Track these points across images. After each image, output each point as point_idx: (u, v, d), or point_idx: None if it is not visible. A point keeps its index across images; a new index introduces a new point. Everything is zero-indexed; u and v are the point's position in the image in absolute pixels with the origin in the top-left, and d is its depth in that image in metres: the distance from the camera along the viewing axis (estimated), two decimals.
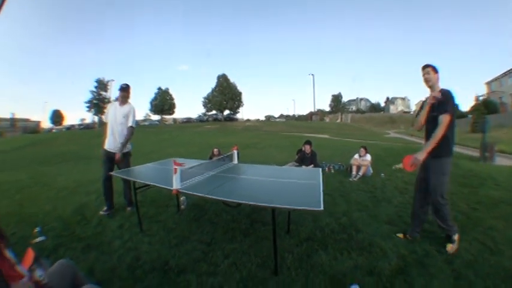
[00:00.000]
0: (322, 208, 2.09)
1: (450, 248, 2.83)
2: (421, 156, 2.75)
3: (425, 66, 3.00)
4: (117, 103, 4.40)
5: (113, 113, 4.33)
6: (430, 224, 3.51)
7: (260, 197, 2.68)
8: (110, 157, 4.29)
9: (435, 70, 2.97)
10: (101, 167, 4.46)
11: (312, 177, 3.22)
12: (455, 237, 2.90)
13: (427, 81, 3.00)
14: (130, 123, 4.32)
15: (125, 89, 4.36)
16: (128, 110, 4.32)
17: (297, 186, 3.06)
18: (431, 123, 2.89)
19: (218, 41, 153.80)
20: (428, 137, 2.87)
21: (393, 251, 2.86)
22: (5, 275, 1.34)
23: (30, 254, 1.79)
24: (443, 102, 2.79)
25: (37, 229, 3.56)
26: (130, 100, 4.52)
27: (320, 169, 3.64)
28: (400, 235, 3.20)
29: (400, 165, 3.08)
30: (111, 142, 4.31)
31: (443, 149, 2.80)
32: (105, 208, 4.38)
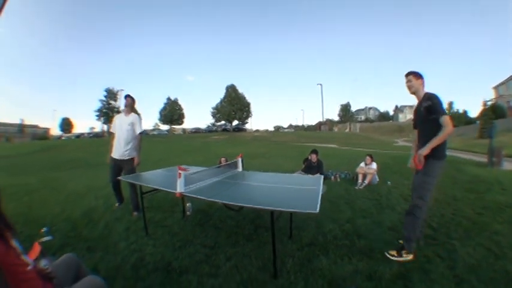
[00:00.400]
0: (317, 211, 2.12)
1: (392, 253, 2.83)
2: (425, 151, 2.73)
3: (406, 74, 3.05)
4: (122, 114, 4.72)
5: (119, 123, 4.64)
6: (434, 230, 3.54)
7: (260, 200, 2.72)
8: (116, 164, 4.58)
9: (417, 76, 3.00)
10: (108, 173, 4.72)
11: (313, 184, 3.25)
12: (406, 255, 2.80)
13: (409, 88, 3.03)
14: (138, 131, 4.61)
15: (129, 97, 4.68)
16: (133, 118, 4.62)
17: (297, 192, 3.10)
18: (424, 127, 2.94)
19: (226, 51, 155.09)
20: (421, 140, 2.91)
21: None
22: (10, 263, 1.41)
23: (36, 248, 1.87)
24: (435, 105, 2.77)
25: (44, 229, 3.67)
26: (135, 110, 4.86)
27: (322, 176, 3.67)
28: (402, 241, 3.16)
29: (411, 163, 3.06)
30: (118, 150, 4.56)
31: (437, 151, 2.76)
32: (117, 204, 4.94)
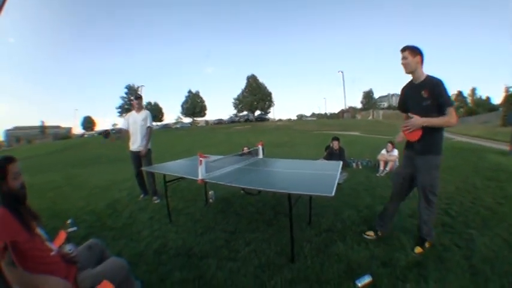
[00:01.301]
0: (333, 194, 2.17)
1: (419, 251, 2.72)
2: (422, 120, 2.58)
3: (402, 50, 2.69)
4: (133, 111, 5.16)
5: (133, 120, 5.06)
6: (452, 218, 3.52)
7: (278, 185, 2.84)
8: (136, 156, 4.98)
9: (414, 52, 2.64)
10: (130, 167, 5.22)
11: (331, 169, 3.28)
12: (427, 244, 2.79)
13: (405, 66, 2.70)
14: (148, 124, 5.04)
15: (140, 97, 5.29)
16: (145, 114, 5.06)
17: (315, 177, 3.14)
18: (421, 114, 2.64)
19: (245, 41, 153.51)
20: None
21: (412, 244, 2.84)
22: (35, 248, 1.55)
23: (62, 235, 2.02)
24: (443, 95, 2.54)
25: (69, 221, 3.86)
26: (143, 106, 5.34)
27: (340, 162, 3.68)
28: (370, 233, 3.10)
29: (400, 135, 2.90)
30: (135, 143, 4.99)
31: (435, 146, 2.66)
32: (142, 195, 5.25)
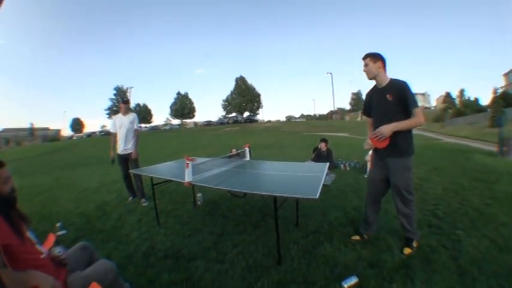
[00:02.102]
0: (317, 197, 2.17)
1: (408, 252, 2.71)
2: (390, 127, 2.57)
3: (363, 58, 2.76)
4: (120, 114, 5.13)
5: (120, 123, 5.04)
6: (439, 219, 3.54)
7: (264, 187, 2.83)
8: (124, 159, 4.97)
9: (375, 58, 2.70)
10: (119, 169, 5.17)
11: (317, 171, 3.29)
12: (415, 243, 2.80)
13: (367, 73, 2.76)
14: (135, 127, 5.09)
15: (127, 102, 5.34)
16: (133, 117, 5.09)
17: (301, 179, 3.14)
18: (388, 117, 2.65)
19: (234, 42, 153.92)
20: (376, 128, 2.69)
21: (398, 245, 2.85)
22: (25, 252, 1.54)
23: (51, 238, 2.00)
24: (409, 97, 2.55)
25: (58, 224, 3.83)
26: (130, 109, 5.38)
27: (326, 164, 3.69)
28: (356, 237, 3.09)
29: (368, 143, 2.91)
30: (122, 146, 4.95)
31: (406, 147, 2.69)
32: (130, 198, 5.22)
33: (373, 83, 2.87)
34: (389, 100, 2.64)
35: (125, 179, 5.09)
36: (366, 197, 3.14)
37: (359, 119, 58.08)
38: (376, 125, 2.78)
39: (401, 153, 2.68)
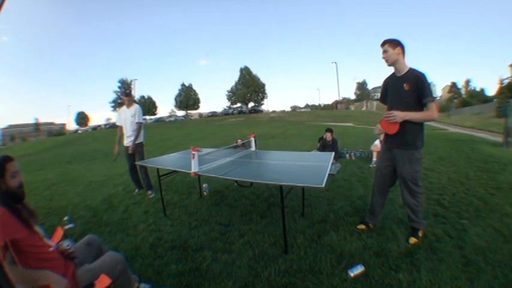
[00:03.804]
0: (323, 185, 2.17)
1: (414, 241, 2.72)
2: (402, 114, 2.57)
3: (382, 44, 2.70)
4: (124, 107, 5.07)
5: (124, 116, 5.02)
6: (444, 208, 3.54)
7: (270, 176, 2.84)
8: (128, 151, 4.91)
9: (394, 44, 2.64)
10: (124, 161, 5.14)
11: (323, 160, 3.28)
12: (420, 233, 2.81)
13: (386, 60, 2.70)
14: (137, 120, 4.94)
15: (129, 94, 5.24)
16: (135, 110, 4.97)
17: (306, 168, 3.14)
18: (401, 107, 2.65)
19: (237, 32, 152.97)
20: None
21: (404, 234, 2.87)
22: (34, 245, 1.57)
23: (59, 232, 2.04)
24: (425, 89, 2.51)
25: (66, 218, 3.88)
26: (135, 101, 5.17)
27: (332, 153, 3.70)
28: (362, 226, 3.11)
29: (378, 127, 2.89)
30: (127, 138, 4.94)
31: (413, 140, 2.66)
32: (136, 190, 5.26)
33: (391, 70, 2.82)
34: (406, 89, 2.61)
35: (130, 170, 5.10)
36: (373, 186, 3.14)
37: (364, 108, 57.72)
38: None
39: (408, 145, 2.67)
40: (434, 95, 2.57)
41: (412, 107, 2.59)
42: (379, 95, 3.24)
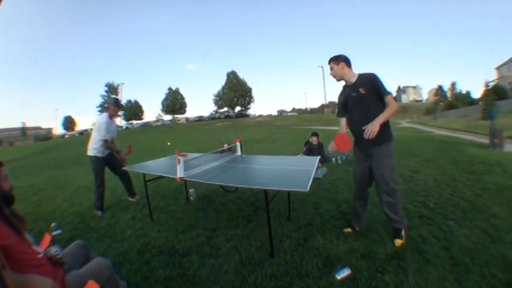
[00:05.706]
0: (307, 190, 2.18)
1: (399, 243, 2.72)
2: (376, 123, 2.52)
3: (328, 63, 2.90)
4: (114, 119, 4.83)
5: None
6: (430, 210, 3.58)
7: (255, 181, 2.85)
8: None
9: (337, 61, 2.82)
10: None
11: (307, 165, 3.30)
12: (403, 233, 2.81)
13: (333, 76, 2.90)
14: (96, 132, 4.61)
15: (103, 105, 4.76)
16: (96, 121, 4.81)
17: (291, 172, 3.16)
18: (365, 110, 2.73)
19: (225, 37, 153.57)
20: (362, 124, 2.62)
21: (390, 236, 2.88)
22: (23, 252, 1.53)
23: (47, 238, 2.00)
24: (379, 86, 2.65)
25: (53, 224, 3.78)
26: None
27: (317, 157, 3.72)
28: (348, 229, 3.10)
29: (333, 146, 2.95)
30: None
31: (385, 134, 2.72)
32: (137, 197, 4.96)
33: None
34: (363, 93, 2.72)
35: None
36: (354, 190, 3.19)
37: None
38: (354, 120, 2.88)
39: (383, 140, 2.73)
40: (388, 90, 2.67)
41: (373, 107, 2.69)
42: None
